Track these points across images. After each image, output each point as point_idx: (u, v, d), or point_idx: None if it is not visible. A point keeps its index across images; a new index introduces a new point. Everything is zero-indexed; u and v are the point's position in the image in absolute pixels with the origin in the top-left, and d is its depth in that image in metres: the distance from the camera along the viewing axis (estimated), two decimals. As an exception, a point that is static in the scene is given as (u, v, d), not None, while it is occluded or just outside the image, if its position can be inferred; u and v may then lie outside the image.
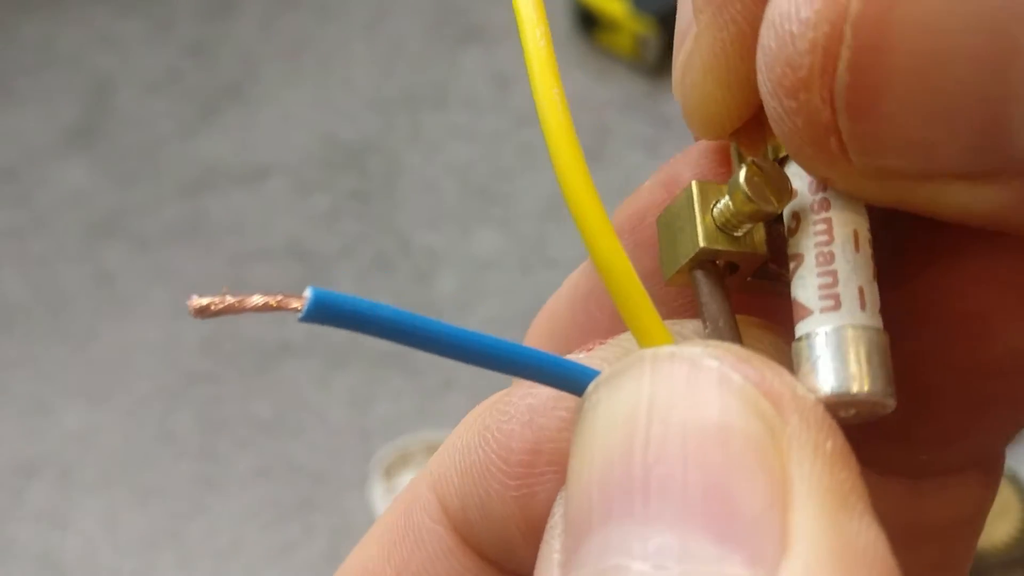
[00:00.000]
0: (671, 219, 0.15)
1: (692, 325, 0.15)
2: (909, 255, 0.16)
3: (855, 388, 0.13)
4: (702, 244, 0.14)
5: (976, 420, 0.17)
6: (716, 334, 0.14)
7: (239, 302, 0.12)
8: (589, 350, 0.15)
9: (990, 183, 0.12)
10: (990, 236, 0.15)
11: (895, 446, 0.17)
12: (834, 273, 0.13)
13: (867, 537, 0.11)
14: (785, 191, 0.14)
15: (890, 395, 0.13)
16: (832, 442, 0.12)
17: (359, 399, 0.72)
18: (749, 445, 0.11)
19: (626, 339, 0.15)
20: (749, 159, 0.14)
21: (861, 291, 0.13)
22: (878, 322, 0.13)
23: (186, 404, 0.74)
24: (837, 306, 0.13)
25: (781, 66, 0.12)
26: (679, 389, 0.12)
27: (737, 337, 0.14)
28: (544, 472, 0.15)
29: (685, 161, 0.16)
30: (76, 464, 0.73)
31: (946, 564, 0.19)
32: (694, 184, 0.14)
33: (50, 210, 0.84)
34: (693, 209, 0.14)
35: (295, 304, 0.12)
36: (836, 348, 0.13)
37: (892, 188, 0.13)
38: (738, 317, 0.14)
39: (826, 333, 0.13)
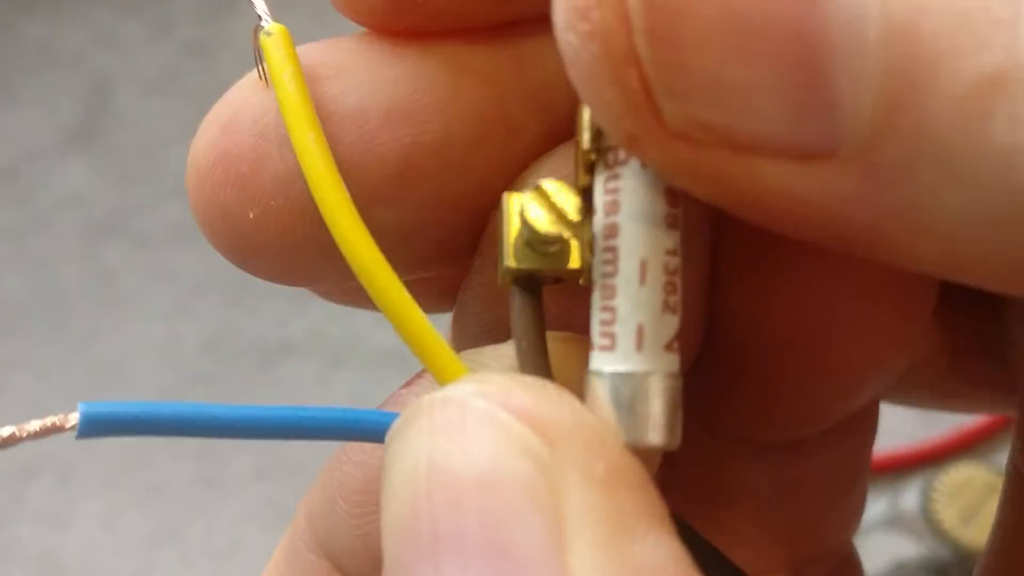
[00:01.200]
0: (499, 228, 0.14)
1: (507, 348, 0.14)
2: (739, 267, 0.16)
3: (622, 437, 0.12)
4: (507, 264, 0.13)
5: (823, 402, 0.17)
6: (520, 355, 0.13)
7: (18, 430, 0.13)
8: (410, 384, 0.15)
9: (822, 165, 0.11)
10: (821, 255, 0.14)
11: (760, 426, 0.18)
12: (614, 309, 0.13)
13: (653, 557, 0.11)
14: (572, 216, 0.13)
15: (653, 439, 0.13)
16: (604, 465, 0.11)
17: (359, 399, 0.72)
18: (519, 488, 0.11)
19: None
20: (538, 182, 0.13)
21: (640, 330, 0.12)
22: (655, 363, 0.13)
23: (186, 404, 0.74)
24: (612, 346, 0.13)
25: None
26: (452, 437, 0.12)
27: (541, 357, 0.13)
28: (376, 511, 0.15)
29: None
30: (76, 464, 0.72)
31: (834, 509, 0.19)
32: (505, 197, 0.14)
33: (50, 210, 0.84)
34: (503, 225, 0.14)
35: (71, 423, 0.13)
36: (604, 392, 0.13)
37: (708, 161, 0.11)
38: (549, 333, 0.14)
39: (598, 374, 0.13)
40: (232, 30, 0.96)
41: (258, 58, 0.15)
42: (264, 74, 0.15)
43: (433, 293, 0.18)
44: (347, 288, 0.17)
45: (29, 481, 0.72)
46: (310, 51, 0.16)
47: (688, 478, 0.19)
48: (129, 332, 0.77)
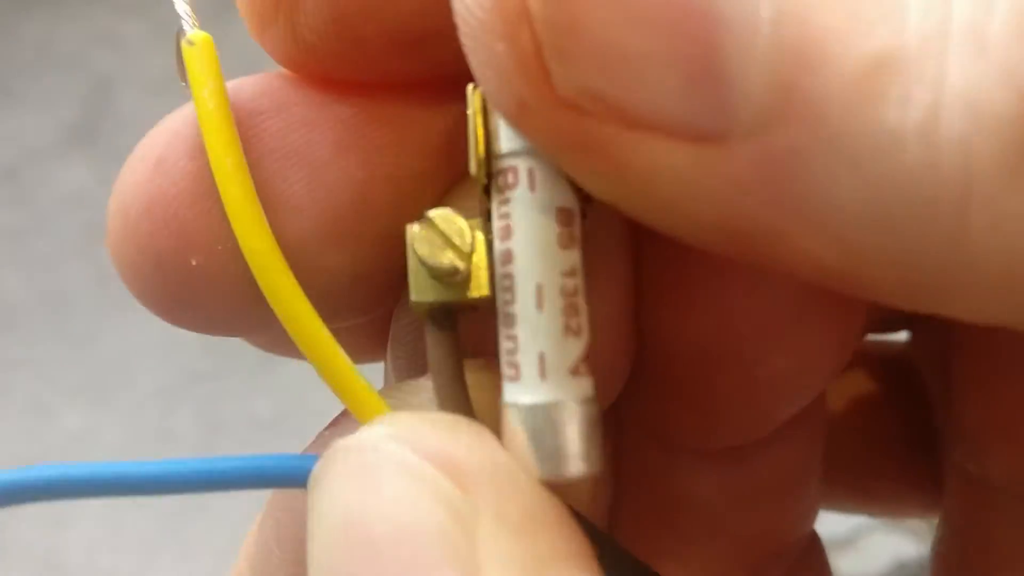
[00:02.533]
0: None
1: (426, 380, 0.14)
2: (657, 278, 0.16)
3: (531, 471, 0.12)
4: (412, 298, 0.13)
5: (762, 409, 0.17)
6: (437, 391, 0.13)
7: None
8: (334, 424, 0.15)
9: (713, 148, 0.11)
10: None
11: (703, 436, 0.18)
12: (515, 338, 0.12)
13: None
14: (461, 244, 0.13)
15: (569, 471, 0.12)
16: (518, 508, 0.11)
17: (359, 399, 0.72)
18: (434, 539, 0.11)
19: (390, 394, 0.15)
20: (426, 213, 0.13)
21: (542, 357, 0.12)
22: (561, 391, 0.12)
23: (186, 404, 0.74)
24: (517, 376, 0.12)
25: None
26: (366, 486, 0.11)
27: (458, 390, 0.13)
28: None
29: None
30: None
31: (789, 508, 0.19)
32: (407, 230, 0.13)
33: (50, 210, 0.84)
34: (408, 259, 0.13)
35: None
36: (516, 425, 0.12)
37: (596, 137, 0.11)
38: (468, 362, 0.13)
39: (509, 406, 0.12)
40: (232, 30, 0.96)
41: (180, 64, 0.14)
42: (186, 80, 0.14)
43: (370, 337, 0.17)
44: (275, 336, 0.16)
45: (29, 481, 0.72)
46: (247, 84, 0.15)
47: (639, 491, 0.19)
48: (129, 332, 0.77)
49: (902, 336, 0.22)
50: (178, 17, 0.14)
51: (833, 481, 0.20)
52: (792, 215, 0.11)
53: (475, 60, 0.11)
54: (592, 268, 0.13)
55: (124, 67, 0.91)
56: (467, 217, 0.13)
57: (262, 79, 0.15)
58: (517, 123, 0.12)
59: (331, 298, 0.14)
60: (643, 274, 0.16)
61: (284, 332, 0.14)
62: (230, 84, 0.14)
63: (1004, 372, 0.17)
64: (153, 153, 0.14)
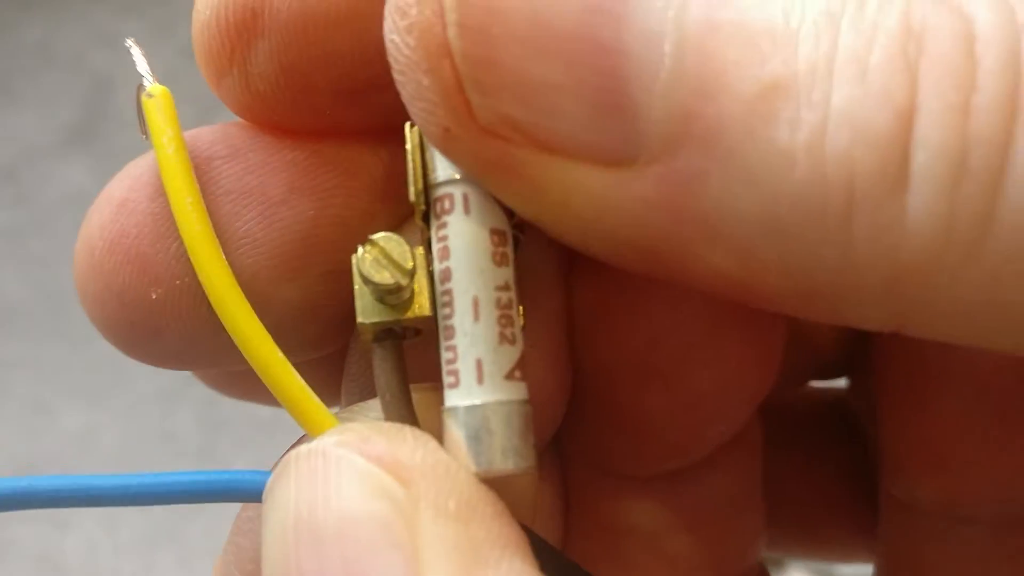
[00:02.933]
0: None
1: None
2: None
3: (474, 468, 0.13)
4: (359, 320, 0.14)
5: (692, 430, 0.18)
6: (384, 408, 0.14)
7: None
8: (295, 446, 0.16)
9: (623, 170, 0.12)
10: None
11: (641, 460, 0.19)
12: (454, 348, 0.13)
13: None
14: (404, 264, 0.14)
15: (502, 465, 0.13)
16: (455, 499, 0.12)
17: (359, 399, 0.72)
18: (377, 528, 0.12)
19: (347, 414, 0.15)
20: (370, 236, 0.14)
21: (479, 364, 0.13)
22: (496, 393, 0.13)
23: (186, 404, 0.74)
24: (456, 383, 0.13)
25: None
26: (316, 486, 0.12)
27: (404, 407, 0.14)
28: None
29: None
30: (76, 464, 0.72)
31: (732, 531, 0.20)
32: (353, 256, 0.14)
33: (50, 210, 0.84)
34: (353, 283, 0.14)
35: None
36: (455, 427, 0.13)
37: (516, 160, 0.12)
38: (414, 385, 0.14)
39: (449, 411, 0.13)
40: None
41: (141, 118, 0.15)
42: (147, 132, 0.15)
43: (327, 376, 0.18)
44: (234, 374, 0.18)
45: (29, 481, 0.72)
46: (204, 133, 0.16)
47: (584, 521, 0.19)
48: (129, 332, 0.77)
49: (841, 383, 0.23)
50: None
51: (779, 523, 0.21)
52: (696, 230, 0.12)
53: (405, 93, 0.12)
54: (528, 301, 0.14)
55: (124, 67, 0.91)
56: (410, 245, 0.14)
57: (218, 128, 0.16)
58: (444, 149, 0.13)
59: (284, 330, 0.15)
60: (574, 303, 0.17)
61: (237, 367, 0.14)
62: (189, 133, 0.15)
63: (926, 406, 0.18)
64: (117, 196, 0.15)
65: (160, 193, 0.15)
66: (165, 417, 0.74)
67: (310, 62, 0.15)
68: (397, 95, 0.12)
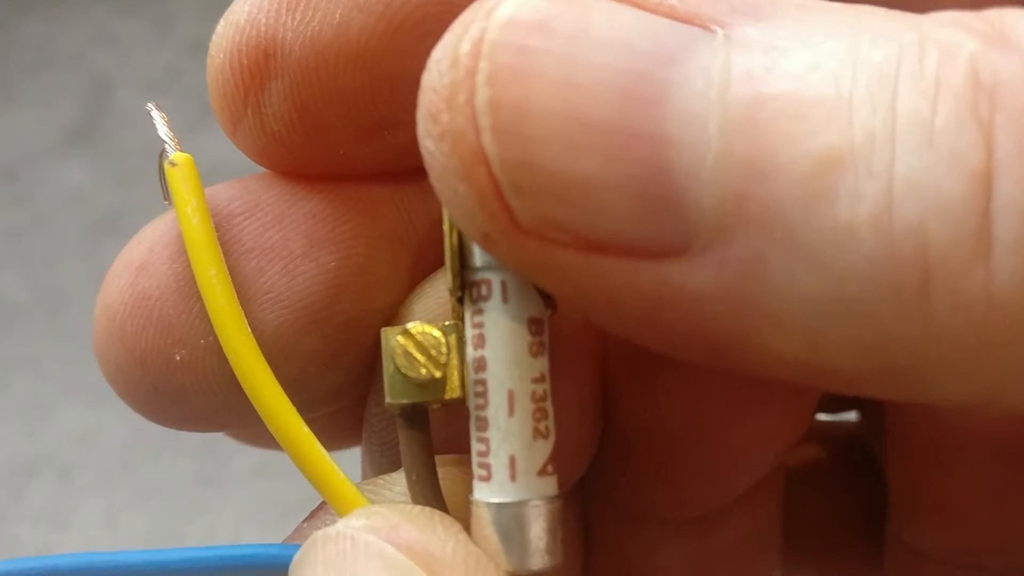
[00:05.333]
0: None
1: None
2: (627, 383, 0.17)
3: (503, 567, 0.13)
4: (387, 400, 0.14)
5: (722, 480, 0.18)
6: (411, 487, 0.14)
7: None
8: (312, 517, 0.16)
9: (674, 262, 0.11)
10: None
11: (666, 506, 0.19)
12: (487, 440, 0.13)
13: None
14: (439, 356, 0.13)
15: (534, 565, 0.13)
16: None
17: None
18: None
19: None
20: (406, 325, 0.14)
21: (512, 461, 0.13)
22: (529, 491, 0.13)
23: (186, 404, 0.74)
24: (488, 477, 0.13)
25: (427, 94, 0.12)
26: (344, 572, 0.12)
27: (431, 486, 0.14)
28: None
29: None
30: (76, 464, 0.72)
31: (754, 570, 0.20)
32: (383, 333, 0.14)
33: (50, 210, 0.84)
34: (382, 361, 0.14)
35: None
36: (485, 521, 0.13)
37: (560, 260, 0.11)
38: (440, 457, 0.14)
39: (477, 503, 0.13)
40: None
41: (163, 185, 0.15)
42: (170, 199, 0.15)
43: (349, 423, 0.18)
44: (255, 432, 0.18)
45: (29, 481, 0.72)
46: (222, 190, 0.16)
47: (605, 562, 0.19)
48: (129, 332, 0.77)
49: (852, 415, 0.23)
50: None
51: (795, 560, 0.21)
52: (759, 318, 0.11)
53: (443, 199, 0.12)
54: (561, 357, 0.14)
55: (124, 67, 0.91)
56: (439, 316, 0.14)
57: (236, 183, 0.16)
58: (485, 249, 0.13)
59: (306, 383, 0.15)
60: (608, 360, 0.17)
61: (264, 427, 0.14)
62: (207, 191, 0.15)
63: (943, 462, 0.18)
64: (136, 259, 0.15)
65: (180, 254, 0.15)
66: (165, 417, 0.74)
67: (323, 100, 0.15)
68: (411, 132, 0.12)
